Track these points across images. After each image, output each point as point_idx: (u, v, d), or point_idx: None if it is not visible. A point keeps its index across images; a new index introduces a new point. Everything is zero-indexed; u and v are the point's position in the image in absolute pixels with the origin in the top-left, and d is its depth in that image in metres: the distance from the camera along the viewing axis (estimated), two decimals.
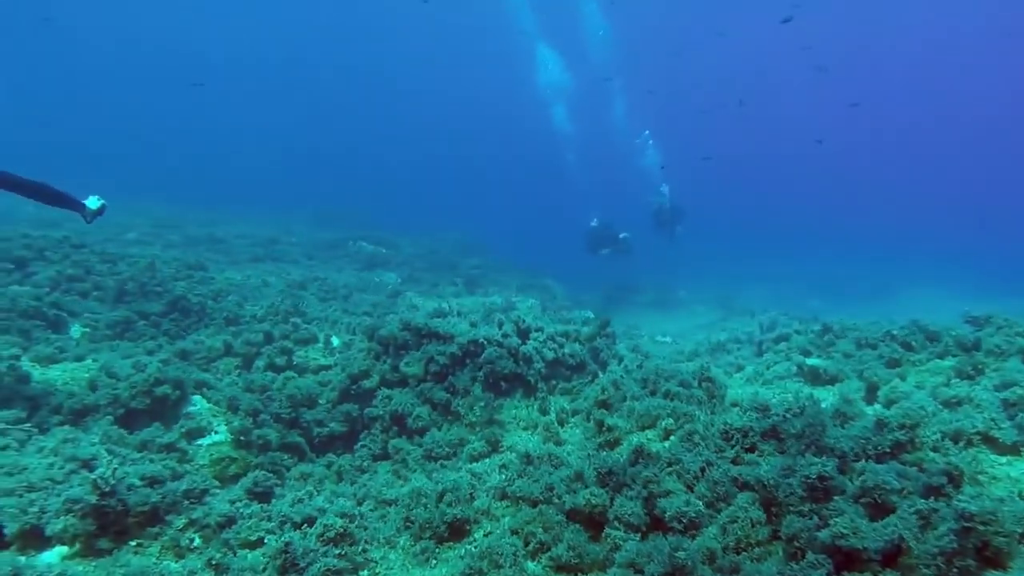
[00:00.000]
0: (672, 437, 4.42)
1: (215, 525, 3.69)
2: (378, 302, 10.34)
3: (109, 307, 7.47)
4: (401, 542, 3.56)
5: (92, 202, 5.19)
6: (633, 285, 18.99)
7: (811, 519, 2.99)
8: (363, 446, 5.56)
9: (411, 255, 16.30)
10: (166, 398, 5.29)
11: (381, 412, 5.68)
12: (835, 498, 3.07)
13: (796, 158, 48.25)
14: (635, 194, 20.36)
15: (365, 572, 3.32)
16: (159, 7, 43.96)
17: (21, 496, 3.58)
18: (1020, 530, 2.65)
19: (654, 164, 21.38)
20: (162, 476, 3.86)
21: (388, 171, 47.03)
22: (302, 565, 3.12)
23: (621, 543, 3.19)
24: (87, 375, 5.55)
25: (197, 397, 5.64)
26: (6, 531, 3.39)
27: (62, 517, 3.38)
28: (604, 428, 4.61)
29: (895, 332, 6.60)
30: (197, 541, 3.61)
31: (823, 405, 4.12)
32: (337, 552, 3.28)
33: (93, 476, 3.46)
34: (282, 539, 3.20)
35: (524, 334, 6.35)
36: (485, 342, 5.96)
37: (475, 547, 3.39)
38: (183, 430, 5.08)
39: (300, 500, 4.00)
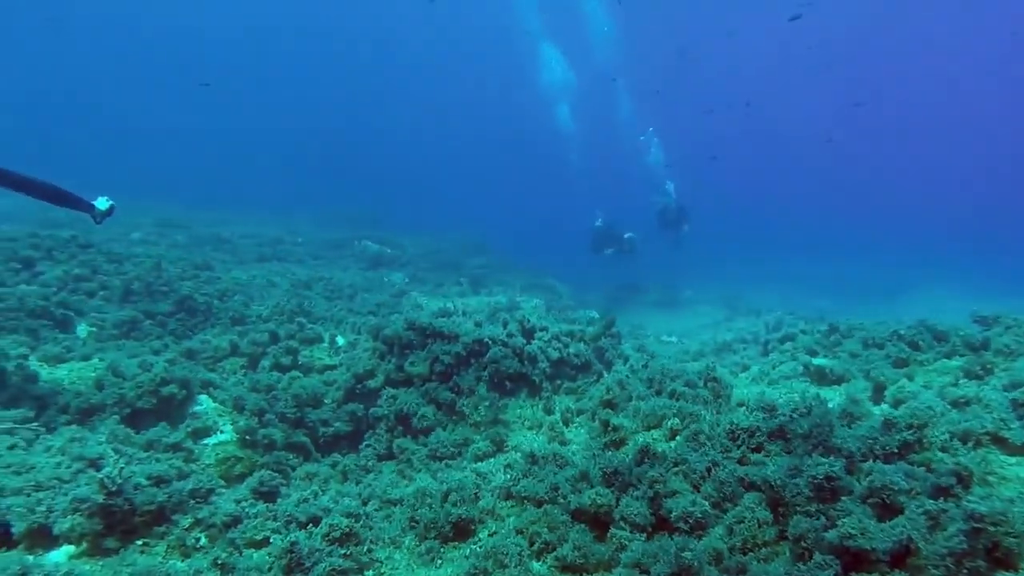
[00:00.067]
0: (678, 437, 4.40)
1: (221, 525, 3.70)
2: (383, 302, 10.35)
3: (115, 307, 7.50)
4: (406, 542, 3.56)
5: (101, 203, 5.22)
6: (638, 285, 18.94)
7: (818, 519, 2.97)
8: (368, 446, 5.56)
9: (415, 255, 16.32)
10: (172, 398, 5.31)
11: (386, 412, 5.68)
12: (842, 498, 3.05)
13: (802, 158, 48.10)
14: (640, 193, 20.33)
15: (370, 572, 3.32)
16: (165, 6, 44.15)
17: (29, 495, 3.60)
18: None
19: (659, 162, 21.32)
20: (168, 475, 3.87)
21: (393, 171, 47.09)
22: (307, 565, 3.12)
23: (627, 543, 3.17)
24: (94, 374, 5.58)
25: (203, 397, 5.66)
26: (14, 530, 3.41)
27: (69, 516, 3.39)
28: (609, 428, 4.59)
29: (902, 332, 6.56)
30: (203, 540, 3.62)
31: (830, 405, 4.09)
32: (342, 552, 3.28)
33: (100, 475, 3.48)
34: (288, 539, 3.20)
35: (529, 334, 6.34)
36: (490, 342, 5.96)
37: (480, 547, 3.39)
38: (189, 429, 5.09)
39: (305, 500, 4.01)
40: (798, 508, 3.13)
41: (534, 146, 40.90)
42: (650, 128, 22.18)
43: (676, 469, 3.65)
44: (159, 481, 3.77)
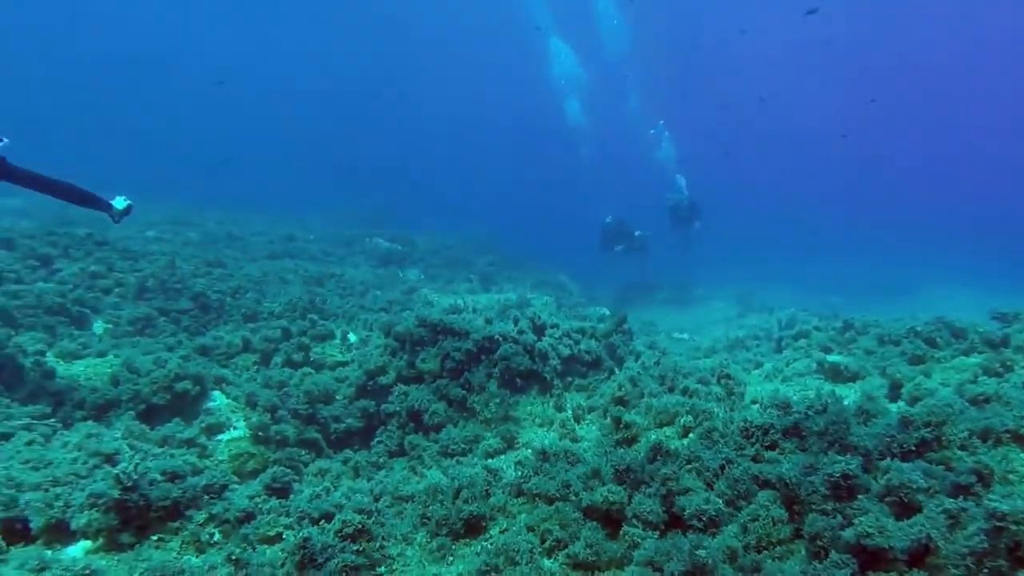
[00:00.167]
0: (691, 434, 4.37)
1: (234, 520, 3.72)
2: (395, 299, 10.38)
3: (130, 303, 7.58)
4: (418, 538, 3.56)
5: (119, 202, 5.28)
6: (649, 282, 18.86)
7: (834, 518, 2.93)
8: (379, 442, 5.58)
9: (426, 252, 16.35)
10: (186, 394, 5.35)
11: (397, 408, 5.69)
12: (859, 497, 3.01)
13: (815, 155, 47.58)
14: (651, 188, 20.21)
15: (383, 568, 3.32)
16: (174, 6, 44.46)
17: (47, 490, 3.64)
18: None
19: (670, 157, 21.15)
20: (183, 471, 3.89)
21: (402, 169, 47.19)
22: (320, 561, 3.13)
23: (640, 541, 3.15)
24: (109, 371, 5.64)
25: (216, 393, 5.70)
26: (32, 525, 3.45)
27: (86, 511, 3.43)
28: (621, 425, 4.57)
29: (919, 328, 6.47)
30: (217, 536, 3.65)
31: (845, 402, 4.04)
32: (355, 548, 3.28)
33: (116, 471, 3.51)
34: (300, 535, 3.21)
35: (540, 330, 6.33)
36: (500, 338, 5.95)
37: (491, 544, 3.38)
38: (203, 425, 5.14)
39: (318, 496, 4.03)
40: (814, 506, 3.09)
41: (544, 142, 40.83)
42: (660, 121, 22.00)
43: (689, 467, 3.62)
44: (174, 477, 3.80)
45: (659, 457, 3.72)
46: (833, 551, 2.73)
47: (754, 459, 3.65)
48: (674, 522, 3.30)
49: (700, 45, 35.36)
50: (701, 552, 2.71)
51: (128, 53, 49.56)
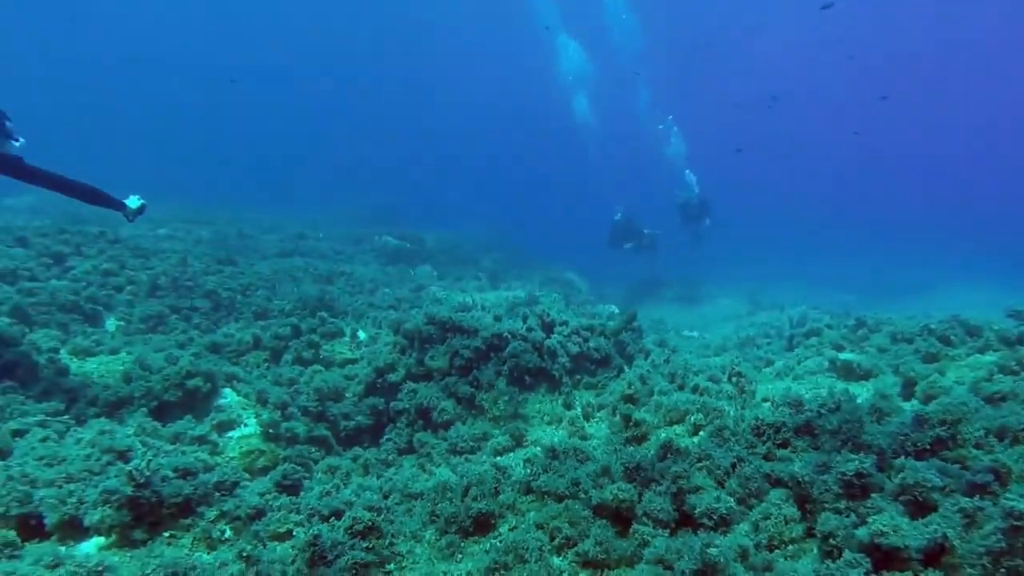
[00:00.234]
0: (701, 432, 4.34)
1: (245, 517, 3.74)
2: (404, 296, 10.40)
3: (142, 301, 7.64)
4: (427, 536, 3.57)
5: (133, 201, 5.33)
6: (658, 280, 18.77)
7: (848, 517, 2.90)
8: (389, 439, 5.59)
9: (435, 250, 16.37)
10: (197, 391, 5.38)
11: (407, 406, 5.70)
12: (873, 495, 2.97)
13: (827, 153, 47.16)
14: (660, 185, 20.10)
15: (392, 566, 3.33)
16: (180, 6, 44.72)
17: (60, 487, 3.67)
18: None
19: (679, 154, 21.02)
20: (194, 468, 3.92)
21: (411, 167, 47.27)
22: (330, 558, 3.14)
23: (650, 539, 3.13)
24: (122, 368, 5.69)
25: (227, 390, 5.73)
26: (47, 521, 3.48)
27: (99, 508, 3.45)
28: (631, 423, 4.54)
29: (933, 326, 6.40)
30: (228, 533, 3.66)
31: (858, 401, 4.00)
32: (365, 545, 3.29)
33: (128, 467, 3.54)
34: (311, 532, 3.22)
35: (548, 328, 6.31)
36: (509, 336, 5.95)
37: (500, 542, 3.37)
38: (214, 422, 5.17)
39: (328, 493, 4.04)
40: (826, 505, 3.06)
41: (552, 139, 40.74)
42: (669, 116, 21.86)
43: (700, 465, 3.60)
44: (185, 473, 3.82)
45: (669, 455, 3.70)
46: (846, 550, 2.70)
47: (766, 457, 3.62)
48: (684, 521, 3.28)
49: (710, 42, 35.11)
50: (712, 550, 2.69)
51: (133, 52, 49.94)
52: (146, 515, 3.53)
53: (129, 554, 3.38)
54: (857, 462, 3.06)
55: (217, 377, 5.67)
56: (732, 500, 3.28)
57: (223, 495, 3.89)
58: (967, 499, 2.79)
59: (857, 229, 34.71)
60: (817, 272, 21.66)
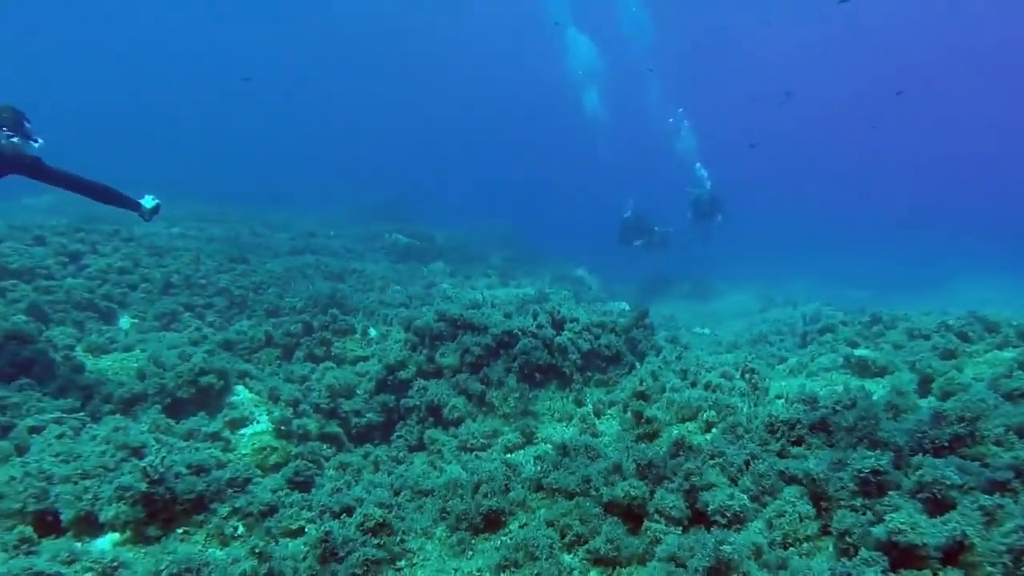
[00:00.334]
0: (714, 429, 4.31)
1: (258, 514, 3.76)
2: (414, 293, 10.42)
3: (156, 298, 7.71)
4: (438, 533, 3.57)
5: (148, 201, 5.40)
6: (669, 276, 18.65)
7: (864, 514, 2.86)
8: (399, 437, 5.60)
9: (445, 247, 16.37)
10: (210, 387, 5.43)
11: (417, 403, 5.70)
12: (890, 493, 2.93)
13: (841, 149, 46.64)
14: (671, 180, 19.96)
15: (403, 562, 3.33)
16: (191, 5, 45.03)
17: (76, 483, 3.71)
18: None
19: (690, 148, 20.85)
20: (207, 465, 3.95)
21: (422, 165, 47.36)
22: (342, 554, 3.15)
23: (662, 536, 3.11)
24: (136, 365, 5.74)
25: (240, 387, 5.77)
26: (63, 518, 3.52)
27: (114, 504, 3.48)
28: (642, 420, 4.51)
29: (951, 322, 6.30)
30: (241, 529, 3.68)
31: (873, 397, 3.94)
32: (376, 542, 3.30)
33: (143, 464, 3.56)
34: (322, 528, 3.23)
35: (559, 325, 6.28)
36: (519, 333, 5.93)
37: (511, 539, 3.36)
38: (226, 419, 5.20)
39: (339, 490, 4.05)
40: (842, 503, 3.02)
41: (562, 136, 40.61)
42: (679, 109, 21.68)
43: (712, 462, 3.57)
44: (199, 470, 3.85)
45: (682, 452, 3.67)
46: (863, 548, 2.66)
47: (780, 454, 3.58)
48: (697, 518, 3.25)
49: (720, 37, 34.80)
50: (726, 548, 2.66)
51: (144, 52, 50.37)
52: (160, 511, 3.55)
53: (143, 550, 3.41)
54: (873, 459, 3.02)
55: (230, 374, 5.71)
56: (746, 497, 3.25)
57: (236, 492, 3.92)
58: (987, 497, 2.73)
59: (870, 225, 34.34)
60: (830, 268, 21.42)
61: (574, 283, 15.49)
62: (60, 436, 4.37)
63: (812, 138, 48.16)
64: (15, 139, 4.72)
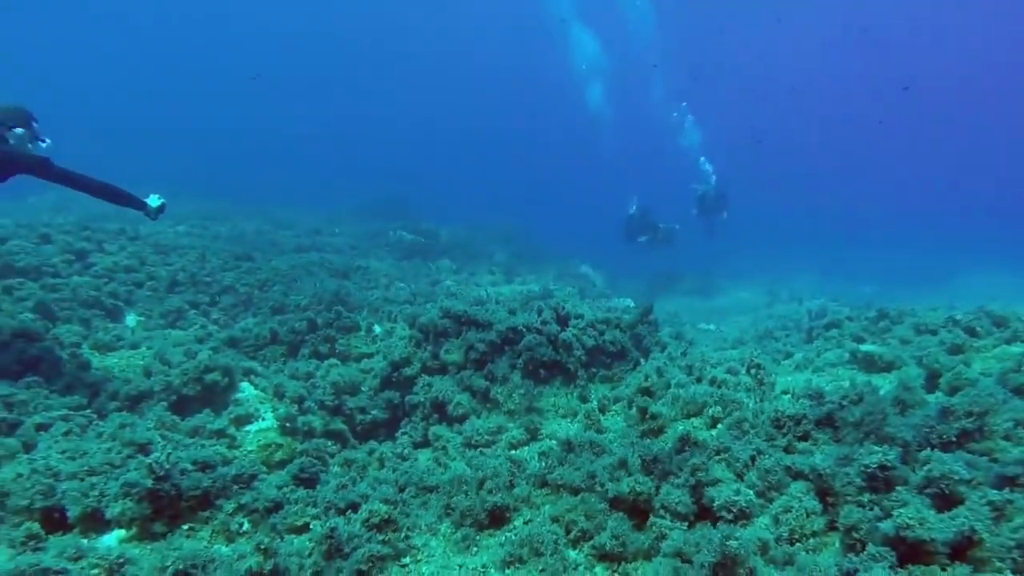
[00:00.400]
0: (719, 425, 4.29)
1: (263, 510, 3.77)
2: (419, 290, 10.42)
3: (162, 296, 7.73)
4: (442, 529, 3.57)
5: (153, 200, 5.41)
6: (674, 273, 18.58)
7: (871, 510, 2.84)
8: (404, 433, 5.60)
9: (449, 244, 16.37)
10: (215, 385, 5.44)
11: (422, 399, 5.71)
12: (897, 488, 2.91)
13: (845, 144, 46.34)
14: (676, 176, 19.86)
15: (408, 559, 3.33)
16: (196, 5, 45.11)
17: (83, 480, 3.73)
18: None
19: (694, 142, 20.71)
20: (213, 461, 3.96)
21: (426, 162, 47.33)
22: (347, 550, 3.15)
23: (668, 532, 3.10)
24: (142, 362, 5.76)
25: (245, 384, 5.78)
26: (69, 514, 3.54)
27: (120, 501, 3.50)
28: (647, 416, 4.50)
29: (958, 317, 6.25)
30: (246, 525, 3.69)
31: (880, 393, 3.91)
32: (381, 538, 3.30)
33: (148, 460, 3.57)
34: (327, 525, 3.23)
35: (563, 321, 6.27)
36: (524, 329, 5.92)
37: (515, 535, 3.36)
38: (232, 416, 5.21)
39: (344, 486, 4.06)
40: (849, 498, 3.00)
41: (565, 132, 40.51)
42: (683, 103, 21.52)
43: (718, 457, 3.55)
44: (204, 467, 3.86)
45: (687, 448, 3.66)
46: (870, 543, 2.64)
47: (786, 450, 3.56)
48: (703, 514, 3.24)
49: (724, 31, 34.60)
50: (732, 543, 2.64)
51: (144, 50, 50.45)
52: (166, 508, 3.57)
53: (149, 546, 3.42)
54: (881, 454, 3.00)
55: (235, 371, 5.73)
56: (752, 493, 3.23)
57: (241, 488, 3.92)
58: (996, 492, 2.71)
59: (876, 221, 34.13)
60: (836, 264, 21.31)
61: (579, 280, 15.46)
62: (67, 433, 4.39)
63: (817, 133, 47.90)
64: (28, 142, 4.80)
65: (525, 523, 3.51)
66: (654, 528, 3.16)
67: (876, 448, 3.08)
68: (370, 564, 3.14)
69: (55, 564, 2.97)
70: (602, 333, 6.27)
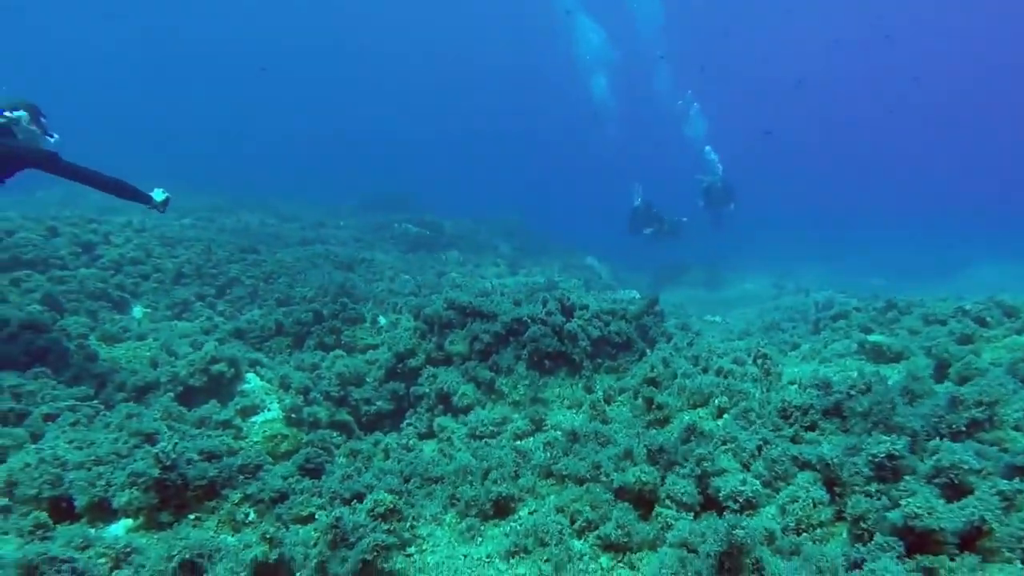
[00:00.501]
0: (726, 415, 4.26)
1: (269, 500, 3.78)
2: (424, 282, 10.42)
3: (168, 288, 7.76)
4: (447, 519, 3.57)
5: (158, 194, 5.44)
6: (680, 264, 18.53)
7: (879, 499, 2.81)
8: (409, 424, 5.61)
9: (454, 236, 16.35)
10: (221, 376, 5.46)
11: (427, 390, 5.70)
12: (905, 478, 2.88)
13: (854, 136, 45.91)
14: (682, 167, 19.74)
15: (413, 548, 3.33)
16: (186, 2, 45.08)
17: (90, 469, 3.75)
18: None
19: (700, 131, 20.53)
20: (219, 451, 3.97)
21: (431, 155, 47.24)
22: (352, 540, 3.15)
23: (673, 522, 3.09)
24: (149, 353, 5.78)
25: (251, 375, 5.80)
26: (77, 504, 3.56)
27: (127, 490, 3.51)
28: (653, 406, 4.48)
29: (968, 307, 6.19)
30: (252, 515, 3.70)
31: (889, 382, 3.88)
32: (386, 528, 3.30)
33: (155, 450, 3.59)
34: (332, 515, 3.23)
35: (568, 312, 6.24)
36: (529, 320, 5.90)
37: (520, 525, 3.36)
38: (238, 407, 5.23)
39: (349, 477, 4.06)
40: (856, 488, 2.97)
41: (570, 125, 40.30)
42: (688, 91, 21.32)
43: (724, 447, 3.53)
44: (210, 457, 3.87)
45: (693, 438, 3.64)
46: (878, 533, 2.62)
47: (793, 440, 3.54)
48: (709, 504, 3.22)
49: (729, 27, 34.25)
50: (739, 532, 2.62)
51: (150, 46, 50.46)
52: (172, 497, 3.58)
53: (156, 536, 3.43)
54: (889, 444, 2.97)
55: (241, 362, 5.74)
56: (758, 483, 3.21)
57: (247, 478, 3.93)
58: (1005, 481, 2.68)
59: (884, 212, 33.86)
60: (843, 256, 21.17)
61: (584, 271, 15.43)
62: (74, 423, 4.42)
63: (825, 126, 47.48)
64: (38, 134, 4.84)
65: (530, 513, 3.51)
66: (660, 518, 3.15)
67: (884, 438, 3.06)
68: (375, 554, 3.14)
69: (62, 553, 2.99)
70: (607, 324, 6.24)
